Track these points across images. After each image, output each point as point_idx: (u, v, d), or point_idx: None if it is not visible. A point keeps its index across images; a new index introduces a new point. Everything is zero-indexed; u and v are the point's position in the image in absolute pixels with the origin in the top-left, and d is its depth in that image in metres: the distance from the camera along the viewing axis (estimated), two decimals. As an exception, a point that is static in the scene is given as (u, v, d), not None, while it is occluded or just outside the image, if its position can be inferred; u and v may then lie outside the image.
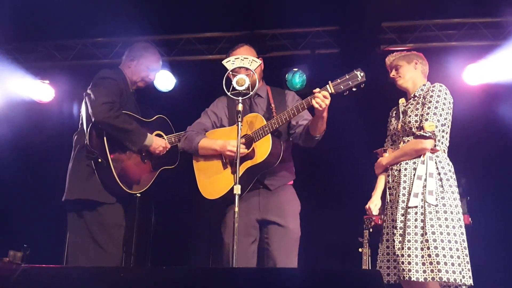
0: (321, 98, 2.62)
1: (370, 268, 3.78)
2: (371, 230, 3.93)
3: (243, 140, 2.81)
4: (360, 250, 3.89)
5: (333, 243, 4.82)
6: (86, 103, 3.00)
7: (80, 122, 3.09)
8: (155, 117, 3.27)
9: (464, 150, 2.95)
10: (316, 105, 2.63)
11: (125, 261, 3.85)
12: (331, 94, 2.66)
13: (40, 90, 5.02)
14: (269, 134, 2.78)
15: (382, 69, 4.56)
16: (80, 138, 3.02)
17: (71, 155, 3.08)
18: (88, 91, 3.00)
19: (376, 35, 4.60)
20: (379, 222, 4.00)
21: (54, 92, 5.05)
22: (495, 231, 4.09)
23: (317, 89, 2.67)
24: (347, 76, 2.66)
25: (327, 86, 2.67)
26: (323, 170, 4.91)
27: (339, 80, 2.67)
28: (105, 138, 2.91)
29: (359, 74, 2.65)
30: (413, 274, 2.59)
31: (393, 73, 3.02)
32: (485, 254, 2.80)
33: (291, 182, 3.05)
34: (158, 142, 3.11)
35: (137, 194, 3.09)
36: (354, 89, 2.66)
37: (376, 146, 3.16)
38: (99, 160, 2.88)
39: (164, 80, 4.90)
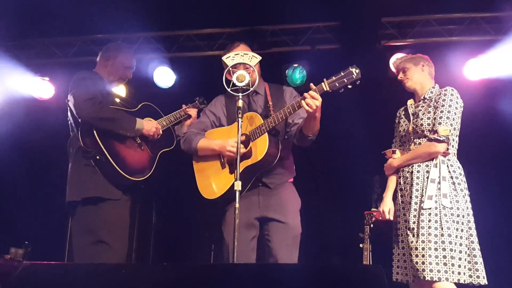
0: (310, 99, 2.59)
1: (371, 263, 3.78)
2: (371, 225, 3.93)
3: (242, 137, 2.80)
4: (361, 245, 3.89)
5: (334, 239, 4.83)
6: (70, 108, 3.02)
7: (70, 129, 3.10)
8: (140, 105, 3.27)
9: (464, 145, 2.95)
10: (306, 107, 2.60)
11: (126, 258, 3.86)
12: (326, 92, 2.65)
13: (40, 87, 5.02)
14: (266, 133, 2.77)
15: (382, 64, 4.57)
16: (74, 142, 3.03)
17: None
18: (69, 97, 3.02)
19: (376, 30, 4.59)
20: (380, 218, 4.01)
21: (54, 89, 5.05)
22: (495, 228, 4.09)
23: (312, 85, 2.65)
24: (342, 74, 2.63)
25: (322, 84, 2.65)
26: (323, 167, 4.90)
27: (334, 78, 2.64)
28: (96, 135, 2.92)
29: (354, 71, 2.62)
30: (427, 274, 2.64)
31: (400, 76, 3.05)
32: (486, 252, 2.80)
33: (291, 180, 3.04)
34: (149, 124, 3.12)
35: (142, 186, 3.10)
36: (349, 86, 2.63)
37: (376, 142, 3.16)
38: (97, 157, 2.90)
39: (164, 77, 4.89)
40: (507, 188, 4.45)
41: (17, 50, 5.06)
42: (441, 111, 2.82)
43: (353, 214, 4.19)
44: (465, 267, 2.68)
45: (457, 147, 2.91)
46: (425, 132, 2.86)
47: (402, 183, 2.93)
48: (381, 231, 4.05)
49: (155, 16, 4.44)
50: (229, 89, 2.53)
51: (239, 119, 2.51)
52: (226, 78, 2.59)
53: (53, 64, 5.06)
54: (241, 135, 2.75)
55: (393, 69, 3.14)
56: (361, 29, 4.52)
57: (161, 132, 3.19)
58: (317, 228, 4.51)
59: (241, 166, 2.75)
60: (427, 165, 2.83)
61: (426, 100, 2.96)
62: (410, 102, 3.07)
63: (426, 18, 4.56)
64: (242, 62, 2.62)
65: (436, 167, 2.79)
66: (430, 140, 2.81)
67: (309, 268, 1.90)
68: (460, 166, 2.87)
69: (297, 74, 4.63)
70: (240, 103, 2.52)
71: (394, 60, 3.12)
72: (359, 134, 4.39)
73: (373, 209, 4.16)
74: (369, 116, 4.55)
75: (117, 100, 3.22)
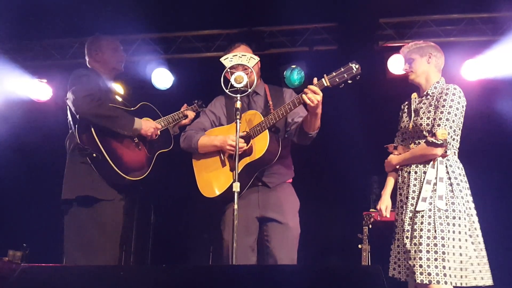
0: (311, 94, 2.61)
1: (369, 264, 3.78)
2: (370, 226, 3.94)
3: (243, 134, 2.80)
4: (359, 246, 3.89)
5: (332, 240, 4.82)
6: (68, 106, 3.01)
7: (69, 127, 3.10)
8: (139, 105, 3.25)
9: (462, 146, 2.95)
10: (308, 101, 2.62)
11: (125, 260, 3.85)
12: (326, 87, 2.66)
13: (37, 89, 5.01)
14: (267, 131, 2.78)
15: (380, 65, 4.58)
16: (72, 140, 3.02)
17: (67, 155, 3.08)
18: (68, 94, 3.01)
19: (374, 31, 4.60)
20: (379, 219, 4.01)
21: (52, 91, 5.04)
22: (493, 228, 4.09)
23: (315, 80, 2.67)
24: (342, 69, 2.65)
25: (322, 79, 2.67)
26: (322, 168, 4.91)
27: (334, 73, 2.66)
28: (94, 132, 2.90)
29: (354, 67, 2.64)
30: (418, 277, 2.59)
31: (405, 67, 2.95)
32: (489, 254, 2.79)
33: (290, 180, 3.05)
34: (147, 124, 3.10)
35: (140, 187, 3.08)
36: (349, 82, 2.65)
37: (374, 143, 3.15)
38: (94, 155, 2.87)
39: (162, 78, 4.89)
40: (506, 188, 4.46)
41: (14, 52, 5.05)
42: (441, 112, 2.73)
43: (352, 214, 4.19)
44: (461, 269, 2.60)
45: (458, 146, 2.84)
46: (424, 133, 2.79)
47: (400, 182, 2.89)
48: (379, 232, 4.05)
49: (153, 17, 4.44)
50: (227, 90, 2.53)
51: (238, 120, 2.51)
52: (225, 78, 2.59)
53: (50, 66, 5.05)
54: (242, 132, 2.75)
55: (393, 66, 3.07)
56: (358, 30, 4.53)
57: (159, 132, 3.18)
58: (316, 229, 4.50)
59: (242, 163, 2.76)
60: (424, 166, 2.78)
61: (428, 97, 2.86)
62: (414, 96, 2.96)
63: (423, 19, 4.57)
64: (240, 63, 2.62)
65: (434, 167, 2.73)
66: (427, 143, 2.74)
67: (308, 269, 1.90)
68: (461, 166, 2.81)
69: (295, 75, 4.64)
70: (239, 104, 2.52)
71: (402, 48, 3.00)
72: (358, 135, 4.40)
73: (371, 210, 4.16)
74: (367, 117, 4.55)
75: (117, 97, 3.19)
